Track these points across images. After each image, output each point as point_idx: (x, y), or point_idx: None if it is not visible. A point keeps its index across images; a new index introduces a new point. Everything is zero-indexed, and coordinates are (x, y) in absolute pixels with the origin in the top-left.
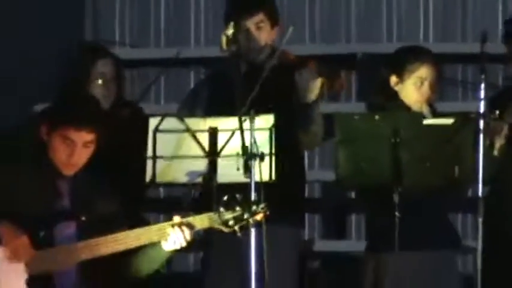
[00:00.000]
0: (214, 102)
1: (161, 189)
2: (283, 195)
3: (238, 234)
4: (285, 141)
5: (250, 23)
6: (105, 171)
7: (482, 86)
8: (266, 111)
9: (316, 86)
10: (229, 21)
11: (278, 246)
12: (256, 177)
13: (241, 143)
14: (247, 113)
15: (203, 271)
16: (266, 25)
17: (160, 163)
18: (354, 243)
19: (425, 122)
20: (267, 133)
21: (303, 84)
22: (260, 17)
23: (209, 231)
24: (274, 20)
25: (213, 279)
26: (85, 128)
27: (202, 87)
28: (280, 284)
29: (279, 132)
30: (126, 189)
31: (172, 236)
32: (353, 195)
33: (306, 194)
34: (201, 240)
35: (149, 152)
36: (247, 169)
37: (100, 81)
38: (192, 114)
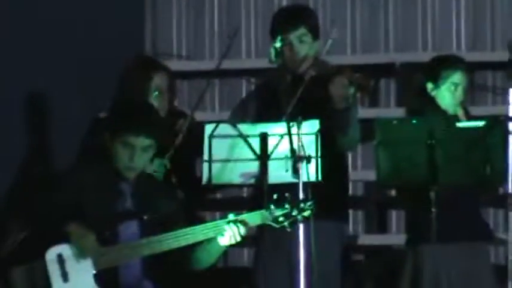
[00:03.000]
0: (263, 110)
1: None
2: (328, 194)
3: (288, 229)
4: (326, 144)
5: (293, 37)
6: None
7: (511, 91)
8: (312, 117)
9: (347, 93)
10: (275, 35)
11: (324, 240)
12: (304, 178)
13: (290, 146)
14: (294, 119)
15: (255, 265)
16: (308, 38)
17: (215, 166)
18: (395, 237)
19: (459, 124)
20: (313, 137)
21: (335, 91)
22: (302, 30)
23: (261, 228)
24: (316, 33)
25: (264, 272)
26: (143, 134)
27: (252, 96)
28: (326, 275)
29: (320, 137)
30: (185, 190)
31: (227, 232)
32: (393, 193)
33: (350, 193)
34: (254, 236)
35: (205, 156)
36: (296, 170)
37: (156, 93)
38: (243, 121)
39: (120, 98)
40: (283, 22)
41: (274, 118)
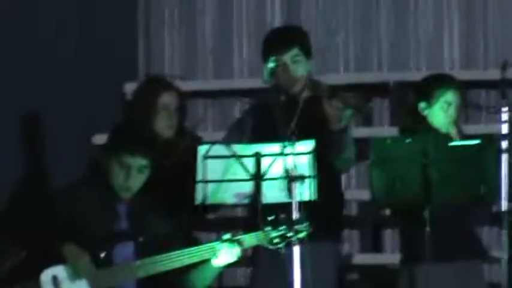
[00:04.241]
0: (258, 130)
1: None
2: (323, 214)
3: (283, 251)
4: (321, 165)
5: (287, 57)
6: (162, 195)
7: (504, 109)
8: (306, 137)
9: (344, 114)
10: (267, 56)
11: (320, 261)
12: (298, 197)
13: (284, 166)
14: (288, 140)
15: (251, 285)
16: (301, 58)
17: (209, 186)
18: (389, 256)
19: (452, 143)
20: (308, 157)
21: (332, 112)
22: (295, 51)
23: (257, 248)
24: (308, 52)
25: None
26: (139, 154)
27: (247, 116)
28: None
29: (316, 157)
30: (180, 211)
31: (222, 253)
32: (387, 212)
33: (344, 212)
34: (249, 256)
35: (199, 176)
36: (290, 190)
37: (165, 112)
38: (240, 140)
39: (125, 117)
40: (276, 43)
41: (270, 138)
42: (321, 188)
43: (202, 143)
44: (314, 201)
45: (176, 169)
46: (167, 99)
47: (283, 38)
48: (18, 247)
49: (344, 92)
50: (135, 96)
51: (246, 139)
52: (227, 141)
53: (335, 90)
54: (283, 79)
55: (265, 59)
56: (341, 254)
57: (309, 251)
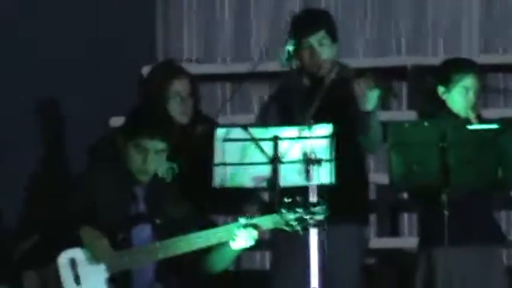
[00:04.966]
0: (283, 112)
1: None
2: (347, 197)
3: (300, 233)
4: (347, 147)
5: (314, 40)
6: (181, 179)
7: None
8: (325, 121)
9: (373, 95)
10: (294, 38)
11: (344, 244)
12: (316, 181)
13: (302, 150)
14: (307, 123)
15: (273, 269)
16: (327, 41)
17: (227, 169)
18: (407, 240)
19: (470, 127)
20: (327, 141)
21: (360, 93)
22: (322, 34)
23: (278, 232)
24: (334, 36)
25: (282, 277)
26: (157, 137)
27: (272, 99)
28: (345, 280)
29: (341, 140)
30: (198, 194)
31: (239, 236)
32: (405, 196)
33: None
34: (268, 240)
35: (217, 160)
36: (307, 173)
37: (177, 99)
38: (266, 123)
39: (140, 102)
40: (303, 26)
41: (294, 121)
42: (345, 170)
43: (218, 126)
44: (336, 183)
45: (193, 153)
46: (179, 86)
47: (310, 21)
48: (35, 230)
49: (372, 73)
50: (146, 83)
51: (272, 122)
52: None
53: (363, 71)
54: (309, 62)
55: (291, 40)
56: (366, 237)
57: (330, 234)
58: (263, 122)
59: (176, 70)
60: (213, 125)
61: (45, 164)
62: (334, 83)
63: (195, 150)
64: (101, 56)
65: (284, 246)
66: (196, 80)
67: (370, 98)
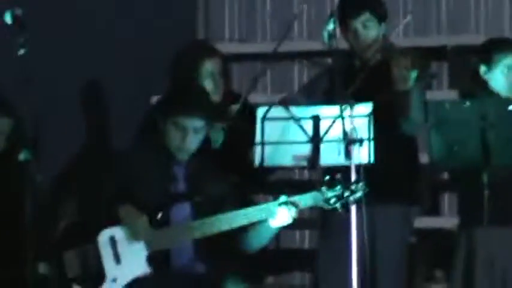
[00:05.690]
0: (329, 93)
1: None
2: (394, 177)
3: (339, 210)
4: (389, 127)
5: (357, 23)
6: (218, 157)
7: None
8: (366, 100)
9: (409, 75)
10: (339, 19)
11: (387, 223)
12: (356, 160)
13: (342, 129)
14: (347, 102)
15: (320, 248)
16: (373, 23)
17: (267, 148)
18: (448, 220)
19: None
20: (366, 119)
21: (397, 72)
22: (366, 16)
23: (325, 211)
24: (381, 16)
25: (328, 256)
26: (195, 115)
27: (320, 78)
28: (389, 260)
29: (382, 119)
30: (237, 172)
31: (279, 214)
32: (446, 175)
33: None
34: (306, 218)
35: (258, 138)
36: (348, 153)
37: (209, 78)
38: (309, 100)
39: (174, 81)
40: (348, 8)
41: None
42: (392, 150)
43: (252, 105)
44: (378, 163)
45: (229, 132)
46: (210, 65)
47: (354, 3)
48: (74, 209)
49: (413, 53)
50: (179, 63)
51: (315, 99)
52: (295, 98)
53: (405, 51)
54: (355, 44)
55: (339, 22)
56: (412, 217)
57: (374, 213)
58: (306, 96)
59: (208, 49)
60: (246, 103)
61: (89, 144)
62: (377, 64)
63: (229, 129)
64: (144, 36)
65: (332, 223)
66: (238, 59)
67: (407, 78)
